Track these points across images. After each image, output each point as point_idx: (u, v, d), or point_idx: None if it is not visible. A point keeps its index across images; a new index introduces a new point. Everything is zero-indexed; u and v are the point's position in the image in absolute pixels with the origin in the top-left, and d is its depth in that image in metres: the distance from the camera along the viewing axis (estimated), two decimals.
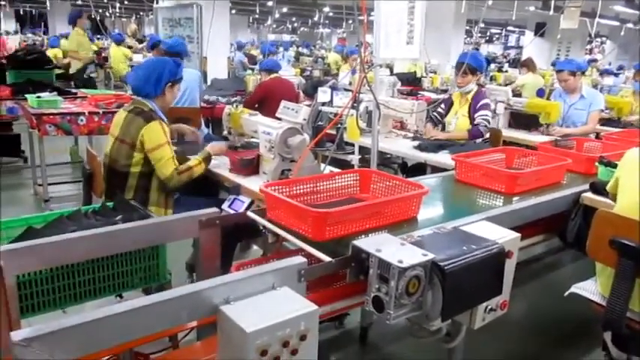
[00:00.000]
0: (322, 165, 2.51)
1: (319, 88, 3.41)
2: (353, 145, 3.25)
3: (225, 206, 2.37)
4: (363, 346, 2.68)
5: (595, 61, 15.40)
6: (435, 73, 8.46)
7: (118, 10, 19.30)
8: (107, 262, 1.76)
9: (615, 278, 1.90)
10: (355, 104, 2.88)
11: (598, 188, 2.42)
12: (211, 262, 1.92)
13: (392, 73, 9.11)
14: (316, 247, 1.74)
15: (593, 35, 13.90)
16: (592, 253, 2.02)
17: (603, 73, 10.20)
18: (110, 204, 2.12)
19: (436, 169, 3.06)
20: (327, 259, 1.63)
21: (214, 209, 1.92)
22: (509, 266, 1.82)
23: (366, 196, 2.17)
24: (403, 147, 3.41)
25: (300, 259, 1.51)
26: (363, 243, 1.61)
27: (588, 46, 17.90)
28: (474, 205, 2.29)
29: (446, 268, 1.54)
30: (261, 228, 2.05)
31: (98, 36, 15.69)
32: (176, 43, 4.49)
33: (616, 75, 10.13)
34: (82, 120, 4.27)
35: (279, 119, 2.51)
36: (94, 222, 1.90)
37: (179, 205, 2.78)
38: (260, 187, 1.95)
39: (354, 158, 2.89)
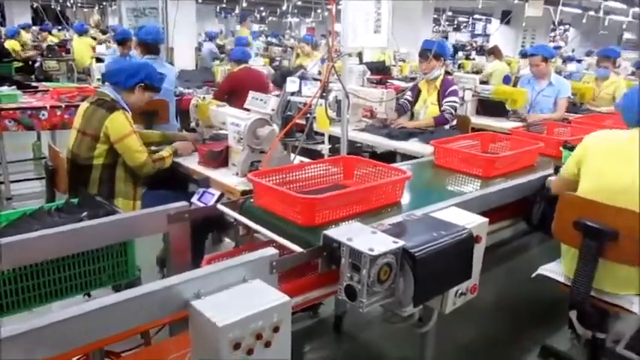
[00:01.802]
0: (292, 155, 2.50)
1: (288, 78, 3.38)
2: (323, 134, 3.24)
3: (194, 199, 2.34)
4: (337, 335, 2.70)
5: (559, 48, 15.75)
6: (404, 61, 8.50)
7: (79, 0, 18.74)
8: (73, 261, 1.72)
9: (579, 259, 1.95)
10: (324, 94, 2.88)
11: None
12: (182, 257, 1.90)
13: (361, 62, 9.13)
14: (288, 237, 1.74)
15: (556, 23, 14.18)
16: (557, 234, 2.08)
17: (566, 60, 10.43)
18: (75, 200, 2.07)
19: (406, 157, 3.09)
20: (298, 249, 1.63)
21: (183, 203, 1.89)
22: (478, 251, 1.85)
23: (351, 183, 2.20)
24: (372, 135, 3.42)
25: (271, 251, 1.50)
26: (334, 232, 1.61)
27: (552, 34, 18.26)
28: (452, 190, 2.33)
29: (416, 254, 1.56)
30: (232, 220, 2.03)
31: (59, 27, 15.21)
32: (153, 30, 4.33)
33: (579, 62, 10.37)
34: (43, 115, 4.13)
35: (248, 110, 2.48)
36: (58, 220, 1.85)
37: (147, 199, 2.74)
38: (248, 176, 1.97)
39: (324, 148, 2.89)
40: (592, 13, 14.80)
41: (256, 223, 1.91)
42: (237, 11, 15.42)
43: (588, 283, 1.92)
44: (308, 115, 2.60)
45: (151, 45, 4.05)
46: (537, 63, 4.37)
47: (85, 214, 1.87)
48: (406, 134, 3.25)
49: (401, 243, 1.56)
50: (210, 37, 11.33)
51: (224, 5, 17.10)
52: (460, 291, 1.86)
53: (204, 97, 2.72)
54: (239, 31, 10.05)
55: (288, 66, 8.66)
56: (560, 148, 2.74)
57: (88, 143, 2.49)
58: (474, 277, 1.87)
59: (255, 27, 26.05)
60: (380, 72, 7.52)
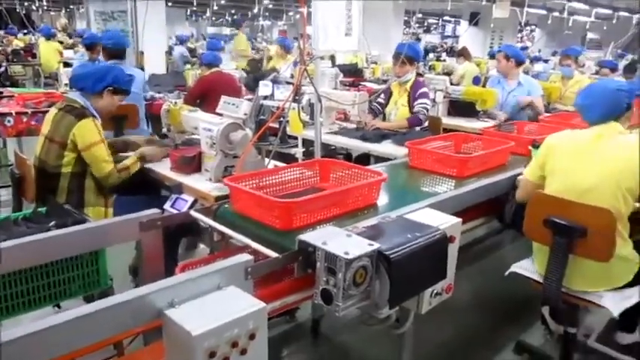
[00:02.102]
0: (266, 160, 2.48)
1: (260, 82, 3.37)
2: (296, 138, 3.23)
3: (167, 206, 2.31)
4: (315, 339, 2.69)
5: (526, 48, 16.09)
6: (376, 63, 8.56)
7: (45, 3, 18.30)
8: (42, 271, 1.67)
9: (550, 256, 1.99)
10: (297, 97, 2.87)
11: None
12: (155, 265, 1.87)
13: (334, 65, 9.15)
14: (265, 242, 1.73)
15: (523, 24, 14.50)
16: (528, 233, 2.12)
17: (533, 60, 10.66)
18: (43, 209, 2.01)
19: (380, 159, 3.10)
20: (273, 254, 1.62)
21: (155, 210, 1.86)
22: (452, 250, 1.87)
23: (327, 185, 2.21)
24: (346, 138, 3.43)
25: (246, 257, 1.49)
26: (309, 237, 1.61)
27: (519, 35, 18.65)
28: (427, 191, 2.35)
29: (391, 256, 1.57)
30: (207, 227, 2.01)
31: (24, 31, 14.81)
32: (115, 35, 4.26)
33: (545, 61, 10.61)
34: (9, 121, 4.02)
35: (221, 115, 2.46)
36: (26, 229, 1.80)
37: (118, 205, 2.69)
38: (224, 181, 1.96)
39: (298, 151, 2.88)
40: (556, 14, 15.20)
41: (231, 228, 1.89)
42: (208, 14, 15.30)
43: (559, 279, 1.96)
44: (281, 119, 2.59)
45: (114, 50, 3.99)
46: (499, 59, 4.47)
47: (53, 223, 1.82)
48: (379, 136, 3.27)
49: (376, 245, 1.56)
50: (181, 41, 11.22)
51: (194, 8, 16.94)
52: (435, 291, 1.87)
53: (175, 102, 2.68)
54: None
55: (261, 69, 8.63)
56: (529, 147, 2.79)
57: (56, 151, 2.43)
58: (449, 276, 1.89)
59: (227, 30, 25.88)
60: (353, 74, 7.54)
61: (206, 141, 2.34)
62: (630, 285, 2.03)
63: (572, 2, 12.84)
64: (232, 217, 1.98)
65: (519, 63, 4.49)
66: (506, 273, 2.26)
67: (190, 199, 2.25)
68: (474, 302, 3.06)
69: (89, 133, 2.42)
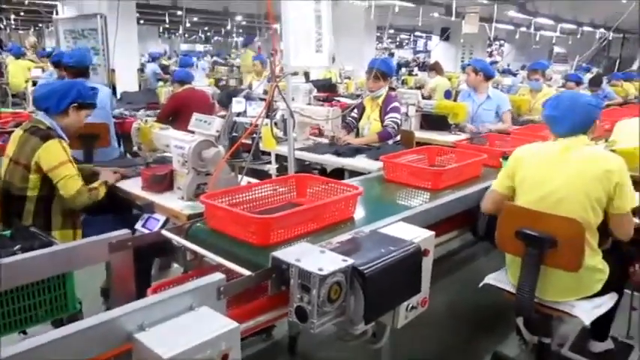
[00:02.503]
0: (239, 176, 2.46)
1: (234, 99, 3.35)
2: (270, 154, 3.22)
3: (138, 226, 2.27)
4: (292, 356, 2.66)
5: (495, 62, 16.48)
6: (350, 78, 8.64)
7: (13, 22, 17.99)
8: (7, 297, 1.61)
9: (522, 267, 2.02)
10: (270, 113, 2.87)
11: None
12: (125, 287, 1.82)
13: (308, 81, 9.20)
14: (238, 261, 1.71)
15: (492, 39, 14.86)
16: (501, 245, 2.14)
17: (503, 73, 10.91)
18: (7, 232, 1.95)
19: (354, 174, 3.11)
20: (246, 273, 1.60)
21: (125, 231, 1.82)
22: (427, 264, 1.88)
23: (304, 201, 2.21)
24: (320, 153, 3.43)
25: (218, 276, 1.47)
26: (283, 254, 1.59)
27: (489, 49, 19.12)
28: (402, 204, 2.37)
29: (366, 272, 1.56)
30: (179, 246, 1.98)
31: None
32: (76, 54, 4.20)
33: (514, 75, 10.87)
34: None
35: (192, 132, 2.44)
36: None
37: (88, 226, 2.62)
38: (200, 198, 1.95)
39: (271, 168, 2.86)
40: (524, 29, 15.62)
41: (204, 247, 1.87)
42: (180, 31, 15.27)
43: (532, 290, 1.98)
44: (254, 135, 2.58)
45: (77, 68, 3.93)
46: (468, 72, 4.57)
47: (18, 247, 1.77)
48: (353, 151, 3.29)
49: (350, 261, 1.56)
50: (154, 58, 11.14)
51: (167, 26, 16.88)
52: (411, 305, 1.87)
53: (146, 120, 2.64)
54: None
55: (236, 85, 8.63)
56: (500, 160, 2.84)
57: (20, 173, 2.36)
58: (424, 290, 1.89)
59: (200, 47, 25.86)
60: (327, 90, 7.60)
61: (178, 159, 2.31)
62: (600, 294, 2.07)
63: (537, 18, 13.23)
64: (205, 235, 1.95)
65: (488, 77, 4.59)
66: (480, 285, 2.28)
67: (162, 219, 2.22)
68: (450, 314, 3.07)
69: (54, 154, 2.35)
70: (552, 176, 2.06)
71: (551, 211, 1.98)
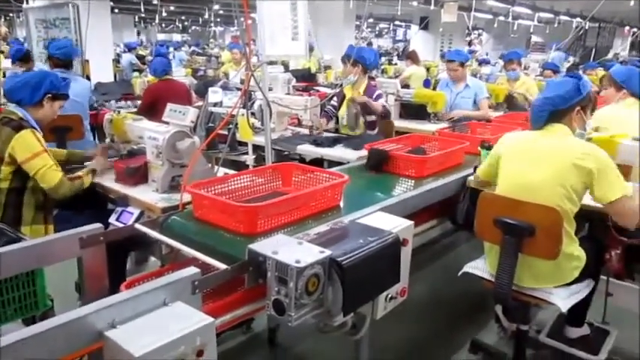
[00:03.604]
0: (216, 168, 2.42)
1: (210, 89, 3.30)
2: (247, 144, 3.17)
3: (112, 220, 2.21)
4: (272, 348, 2.64)
5: (474, 52, 16.56)
6: (329, 68, 8.59)
7: None
8: None
9: (501, 255, 2.02)
10: (246, 103, 2.82)
11: None
12: (98, 283, 1.77)
13: (287, 70, 9.12)
14: (216, 255, 1.68)
15: (470, 28, 14.92)
16: (479, 233, 2.14)
17: (481, 62, 10.97)
18: None
19: (333, 164, 3.09)
20: (222, 266, 1.57)
21: (97, 225, 1.77)
22: (405, 254, 1.87)
23: (289, 189, 2.22)
24: (299, 143, 3.39)
25: (192, 270, 1.43)
26: (259, 246, 1.57)
27: (467, 38, 19.18)
28: (384, 193, 2.36)
29: (343, 263, 1.55)
30: (155, 239, 1.93)
31: None
32: (65, 44, 4.05)
33: (490, 64, 10.93)
34: None
35: (167, 123, 2.38)
36: None
37: (61, 221, 2.55)
38: (186, 188, 1.93)
39: (249, 158, 2.82)
40: (502, 18, 15.72)
41: (180, 240, 1.83)
42: (157, 21, 14.99)
43: (510, 278, 1.99)
44: (230, 126, 2.54)
45: (63, 60, 3.83)
46: (455, 68, 4.55)
47: None
48: (332, 140, 3.26)
49: (328, 252, 1.54)
50: (130, 48, 10.90)
51: (143, 15, 16.56)
52: (390, 295, 1.87)
53: (119, 111, 2.57)
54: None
55: (214, 75, 8.50)
56: (479, 148, 2.84)
57: None
58: (403, 280, 1.89)
59: (178, 37, 25.47)
60: (306, 79, 7.54)
61: (152, 150, 2.25)
62: (577, 281, 2.08)
63: (515, 7, 13.31)
64: (181, 227, 1.92)
65: (462, 64, 4.60)
66: (459, 273, 2.28)
67: (136, 212, 2.17)
68: (430, 303, 3.08)
69: (29, 144, 2.28)
70: (530, 164, 2.06)
71: (529, 198, 1.99)
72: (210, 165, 2.48)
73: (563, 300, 2.01)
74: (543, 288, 2.06)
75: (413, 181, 2.54)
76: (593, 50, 17.18)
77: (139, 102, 4.98)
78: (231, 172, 2.45)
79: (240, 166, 2.87)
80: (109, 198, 2.47)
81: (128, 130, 2.46)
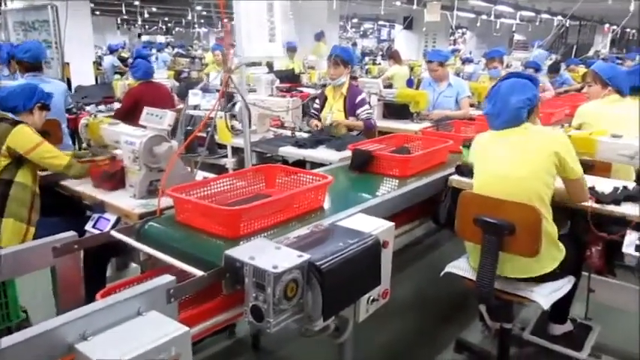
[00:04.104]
0: (195, 171, 2.39)
1: (190, 91, 3.25)
2: (228, 147, 3.13)
3: (88, 226, 2.17)
4: (256, 353, 2.61)
5: (458, 50, 16.65)
6: (313, 68, 8.56)
7: None
8: None
9: (482, 254, 2.02)
10: (228, 105, 2.79)
11: (463, 170, 2.56)
12: (73, 293, 1.74)
13: (271, 71, 9.07)
14: (192, 260, 1.65)
15: (454, 27, 14.99)
16: (460, 232, 2.14)
17: (465, 61, 11.02)
18: None
19: (315, 165, 3.07)
20: (198, 273, 1.54)
21: (70, 233, 1.73)
22: (386, 255, 1.86)
23: (273, 191, 2.21)
24: (281, 145, 3.36)
25: (167, 278, 1.40)
26: (236, 252, 1.54)
27: (451, 37, 19.28)
28: (367, 194, 2.35)
29: (322, 267, 1.53)
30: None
31: None
32: (31, 47, 3.98)
33: (473, 62, 10.99)
34: None
35: (144, 127, 2.34)
36: None
37: (41, 227, 2.50)
38: (167, 192, 1.92)
39: (228, 161, 2.78)
40: (485, 17, 15.82)
41: (157, 247, 1.80)
42: (139, 22, 14.84)
43: (491, 277, 1.99)
44: (208, 129, 2.50)
45: (31, 64, 3.76)
46: (435, 68, 4.57)
47: None
48: (314, 142, 3.24)
49: (306, 257, 1.52)
50: (112, 50, 10.77)
51: (125, 17, 16.40)
52: (372, 297, 1.85)
53: (95, 115, 2.53)
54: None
55: (197, 77, 8.43)
56: (461, 147, 2.84)
57: None
58: (385, 282, 1.87)
59: (162, 38, 25.25)
60: (290, 80, 7.51)
61: (128, 155, 2.22)
62: (559, 277, 2.09)
63: (497, 5, 13.41)
64: (158, 234, 1.88)
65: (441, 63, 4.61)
66: (442, 274, 2.27)
67: (113, 218, 2.13)
68: (414, 303, 3.07)
69: (29, 135, 2.39)
70: (504, 159, 2.09)
71: (504, 192, 2.00)
72: (189, 169, 2.44)
73: (545, 297, 2.02)
74: (525, 284, 2.06)
75: (397, 181, 2.53)
76: (575, 47, 17.38)
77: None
78: (211, 175, 2.41)
79: (221, 170, 2.83)
80: (85, 204, 2.42)
81: (104, 135, 2.42)
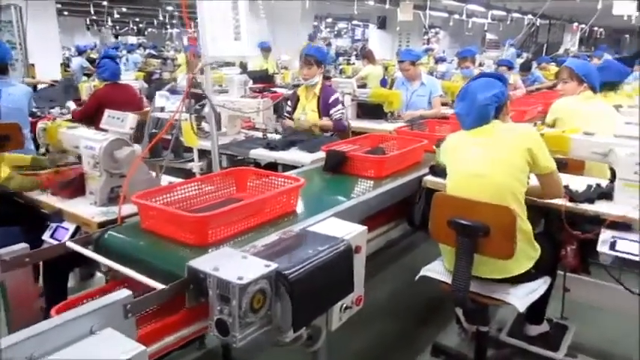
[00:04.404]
0: (161, 176, 2.29)
1: (157, 93, 3.14)
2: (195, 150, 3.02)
3: (46, 236, 2.05)
4: None
5: (431, 50, 16.76)
6: (287, 68, 8.48)
7: None
8: None
9: (456, 257, 1.97)
10: (198, 106, 2.69)
11: (436, 171, 2.52)
12: (27, 310, 1.63)
13: (245, 71, 8.95)
14: (153, 272, 1.56)
15: (427, 26, 15.09)
16: (434, 235, 2.09)
17: (438, 60, 11.08)
18: None
19: (287, 167, 2.99)
20: (159, 286, 1.45)
21: (21, 245, 1.62)
22: (359, 261, 1.79)
23: (244, 195, 2.14)
24: (251, 147, 3.27)
25: (124, 293, 1.31)
26: (200, 262, 1.45)
27: (425, 37, 19.39)
28: (341, 196, 2.29)
29: (290, 276, 1.45)
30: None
31: None
32: None
33: (449, 62, 11.06)
34: None
35: (105, 130, 2.23)
36: None
37: None
38: (131, 198, 1.82)
39: (195, 165, 2.67)
40: (457, 16, 15.97)
41: (119, 257, 1.70)
42: (109, 23, 14.52)
43: (467, 280, 1.94)
44: (174, 131, 2.41)
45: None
46: (406, 68, 4.55)
47: None
48: (286, 143, 3.16)
49: (273, 266, 1.44)
50: (80, 51, 10.49)
51: (94, 17, 16.04)
52: (345, 305, 1.79)
53: (55, 118, 2.40)
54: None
55: (169, 78, 8.26)
56: (434, 147, 2.80)
57: None
58: (358, 288, 1.81)
59: (133, 39, 24.80)
60: (263, 80, 7.41)
61: (88, 160, 2.10)
62: (534, 278, 2.06)
63: (469, 5, 13.53)
64: (118, 244, 1.78)
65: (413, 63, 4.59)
66: (417, 277, 2.22)
67: (72, 227, 2.01)
68: (391, 307, 3.02)
69: None
70: (476, 156, 2.06)
71: (478, 191, 1.97)
72: (154, 174, 2.34)
73: (521, 300, 1.98)
74: (500, 286, 2.02)
75: (371, 182, 2.48)
76: (545, 46, 17.68)
77: None
78: (176, 180, 2.32)
79: (189, 175, 2.73)
80: (43, 213, 2.30)
81: (63, 139, 2.29)
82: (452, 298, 2.06)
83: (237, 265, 1.43)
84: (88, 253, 1.71)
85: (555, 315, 2.56)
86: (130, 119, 2.09)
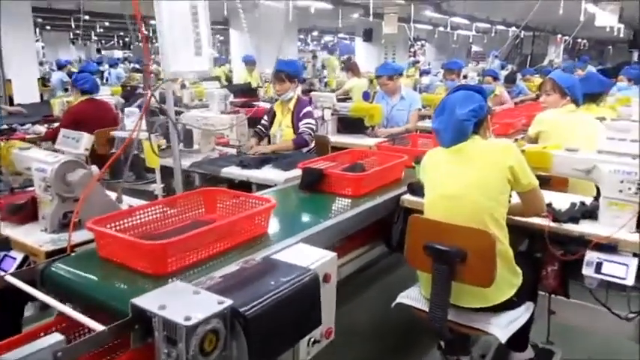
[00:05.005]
0: (121, 199, 2.15)
1: (126, 109, 3.00)
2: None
3: None
4: None
5: (418, 62, 16.79)
6: (269, 82, 8.37)
7: None
8: None
9: (433, 284, 1.85)
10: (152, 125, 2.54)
11: (415, 189, 2.41)
12: None
13: (230, 84, 8.83)
14: (96, 310, 1.42)
15: (412, 39, 15.11)
16: (409, 260, 1.97)
17: (422, 73, 11.06)
18: None
19: (262, 186, 2.86)
20: (99, 327, 1.30)
21: None
22: (329, 290, 1.67)
23: (214, 217, 2.01)
24: (223, 165, 3.13)
25: (54, 338, 1.17)
26: (145, 300, 1.31)
27: (411, 49, 19.44)
28: (314, 217, 2.19)
29: (247, 313, 1.32)
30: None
31: None
32: None
33: (434, 75, 11.04)
34: None
35: (60, 151, 2.09)
36: None
37: None
38: (87, 225, 1.69)
39: (157, 187, 2.52)
40: (442, 29, 16.03)
41: (63, 292, 1.56)
42: (94, 37, 14.37)
43: (444, 310, 1.82)
44: (135, 151, 2.27)
45: None
46: (385, 82, 4.48)
47: None
48: (259, 161, 3.02)
49: (228, 302, 1.31)
50: (60, 66, 10.32)
51: (77, 32, 15.85)
52: (313, 339, 1.65)
53: (7, 139, 2.26)
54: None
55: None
56: (413, 163, 2.69)
57: None
58: (328, 320, 1.68)
59: (119, 53, 24.61)
60: (245, 94, 7.29)
61: (39, 184, 1.96)
62: (515, 305, 1.94)
63: (453, 17, 13.58)
64: (64, 277, 1.63)
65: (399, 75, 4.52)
66: (393, 305, 2.09)
67: (20, 257, 1.87)
68: (368, 334, 2.87)
69: None
70: (452, 175, 1.97)
71: (454, 213, 1.86)
72: (115, 196, 2.20)
73: (502, 329, 1.86)
74: (481, 318, 1.89)
75: (349, 201, 2.36)
76: (529, 57, 17.80)
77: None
78: (139, 202, 2.18)
79: (149, 197, 2.59)
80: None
81: (15, 161, 2.15)
82: (429, 328, 1.93)
83: (186, 303, 1.30)
84: (26, 287, 1.55)
85: (541, 339, 2.44)
86: (86, 139, 1.95)
